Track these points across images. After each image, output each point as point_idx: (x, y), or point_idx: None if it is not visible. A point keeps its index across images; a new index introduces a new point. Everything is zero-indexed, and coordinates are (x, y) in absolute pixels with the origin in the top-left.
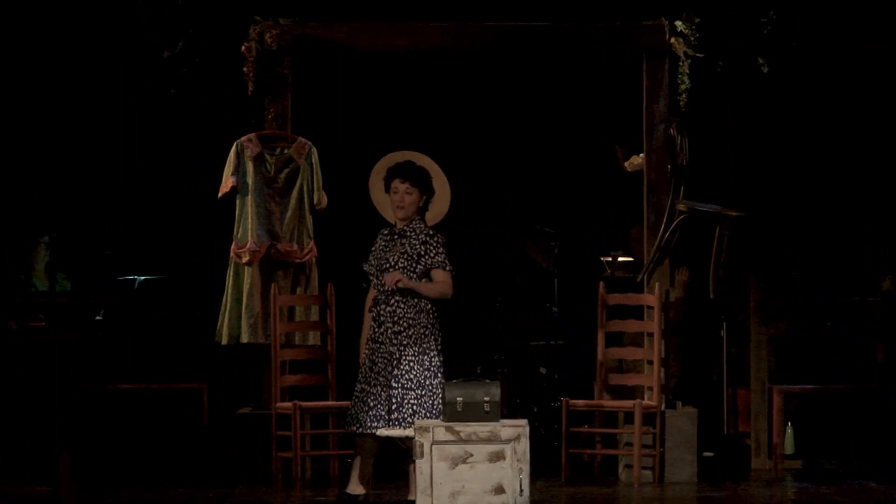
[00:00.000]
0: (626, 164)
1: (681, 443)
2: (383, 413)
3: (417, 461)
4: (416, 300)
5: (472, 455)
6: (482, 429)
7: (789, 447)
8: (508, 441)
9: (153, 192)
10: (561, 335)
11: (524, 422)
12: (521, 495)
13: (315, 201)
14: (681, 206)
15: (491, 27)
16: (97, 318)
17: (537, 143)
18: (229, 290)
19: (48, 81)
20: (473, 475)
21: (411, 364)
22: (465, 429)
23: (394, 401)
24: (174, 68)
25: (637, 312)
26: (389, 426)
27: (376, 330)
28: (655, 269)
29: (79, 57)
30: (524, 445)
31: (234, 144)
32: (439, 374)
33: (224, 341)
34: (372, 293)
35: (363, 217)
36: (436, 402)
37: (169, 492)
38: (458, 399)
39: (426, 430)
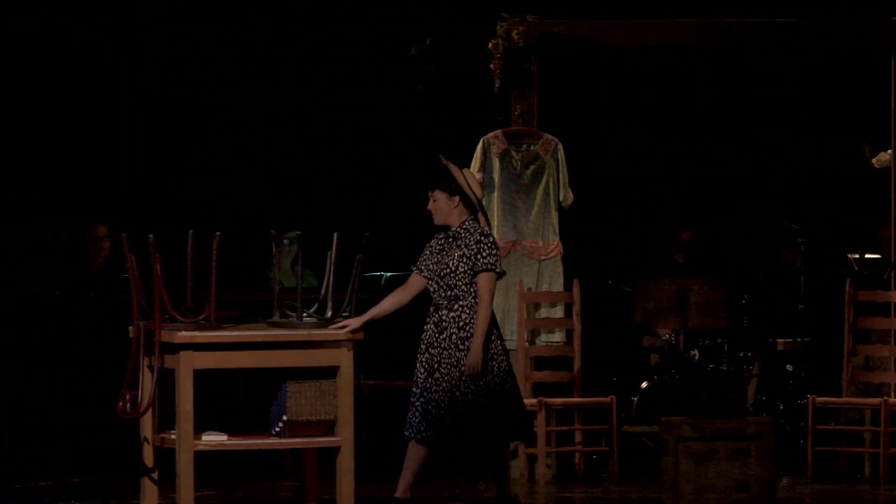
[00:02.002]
0: (874, 160)
1: None
2: (447, 419)
3: (663, 457)
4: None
5: (717, 452)
6: (727, 425)
7: None
8: (753, 437)
9: (394, 190)
10: (807, 332)
11: (769, 418)
12: (766, 492)
13: (561, 198)
14: None
15: (734, 23)
16: (343, 313)
17: (781, 139)
18: None
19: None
20: (718, 472)
21: (482, 370)
22: (710, 425)
23: (432, 405)
24: (421, 65)
25: (885, 310)
26: (452, 432)
27: (437, 336)
28: None
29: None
30: (770, 442)
31: (481, 141)
32: (509, 379)
33: None
34: (416, 280)
35: (609, 214)
36: (508, 405)
37: (414, 487)
38: (702, 396)
39: (672, 426)
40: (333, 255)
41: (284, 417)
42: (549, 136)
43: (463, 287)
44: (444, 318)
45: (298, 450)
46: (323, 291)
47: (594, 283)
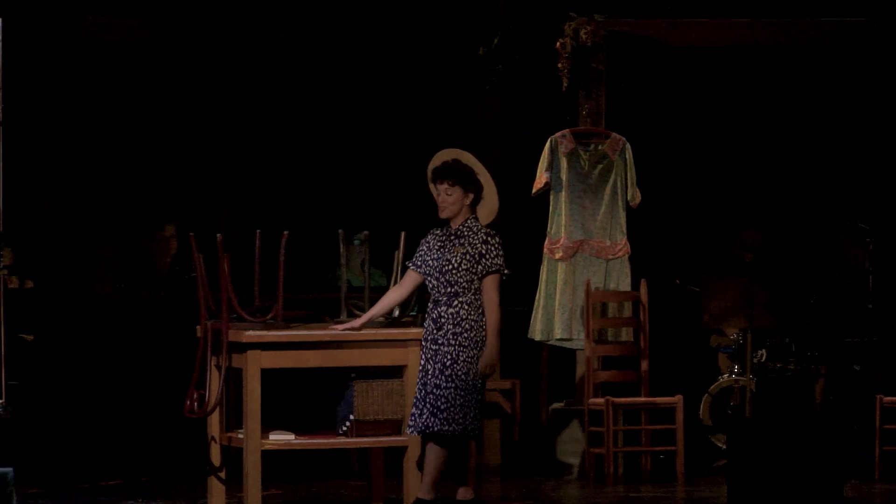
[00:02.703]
0: None
1: None
2: (428, 412)
3: (730, 457)
4: (479, 303)
5: (783, 452)
6: (793, 425)
7: None
8: (818, 438)
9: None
10: (875, 331)
11: (837, 418)
12: (833, 493)
13: (629, 198)
14: None
15: (802, 23)
16: (412, 313)
17: (849, 137)
18: (543, 287)
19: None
20: (784, 471)
21: (468, 366)
22: (775, 426)
23: (441, 401)
24: (490, 65)
25: None
26: (441, 426)
27: (436, 332)
28: None
29: None
30: (835, 443)
31: (548, 141)
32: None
33: (538, 337)
34: (412, 277)
35: (677, 213)
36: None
37: (483, 485)
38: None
39: (737, 427)
40: (401, 255)
41: (351, 417)
42: (617, 136)
43: (464, 284)
44: (442, 314)
45: (365, 449)
46: None
47: (661, 283)
